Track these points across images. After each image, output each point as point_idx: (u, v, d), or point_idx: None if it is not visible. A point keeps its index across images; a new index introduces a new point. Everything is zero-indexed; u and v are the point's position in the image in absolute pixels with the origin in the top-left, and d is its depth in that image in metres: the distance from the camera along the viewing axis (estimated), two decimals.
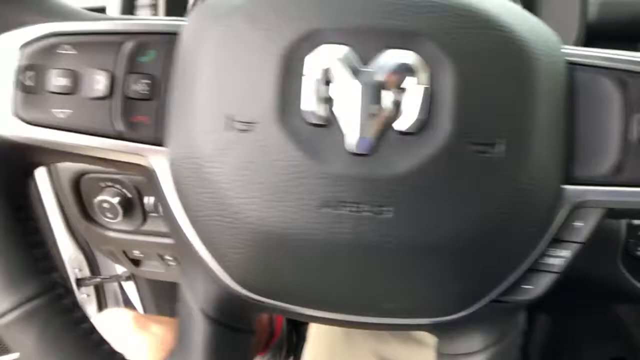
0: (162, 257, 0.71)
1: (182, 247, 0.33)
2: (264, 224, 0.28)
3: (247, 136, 0.28)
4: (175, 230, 0.32)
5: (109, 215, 0.62)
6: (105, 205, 0.61)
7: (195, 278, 0.33)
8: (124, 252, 0.72)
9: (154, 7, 0.58)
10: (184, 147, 0.30)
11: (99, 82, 0.31)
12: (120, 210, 0.61)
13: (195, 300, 0.33)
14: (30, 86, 0.31)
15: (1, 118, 0.31)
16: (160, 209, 0.60)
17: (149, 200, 0.62)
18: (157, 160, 0.31)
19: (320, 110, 0.27)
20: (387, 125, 0.27)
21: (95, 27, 0.32)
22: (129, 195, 0.62)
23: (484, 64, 0.28)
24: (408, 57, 0.27)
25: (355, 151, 0.27)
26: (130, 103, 0.31)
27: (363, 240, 0.27)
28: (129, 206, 0.62)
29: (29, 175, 0.34)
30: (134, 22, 0.32)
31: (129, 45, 0.31)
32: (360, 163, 0.27)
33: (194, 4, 0.63)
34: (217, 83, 0.29)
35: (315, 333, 0.53)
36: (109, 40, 0.31)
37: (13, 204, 0.33)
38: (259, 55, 0.28)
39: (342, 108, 0.27)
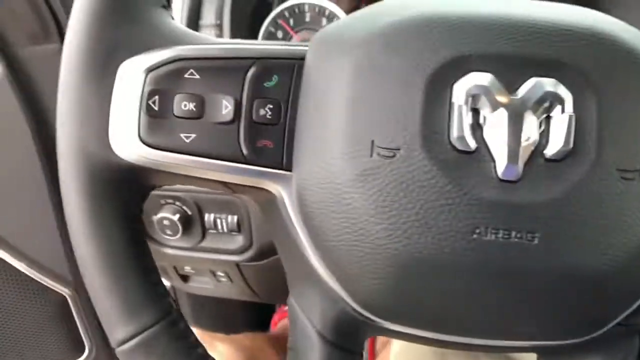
0: (214, 274, 0.71)
1: (298, 269, 0.33)
2: (409, 250, 0.28)
3: (390, 162, 0.28)
4: (296, 253, 0.32)
5: (168, 232, 0.62)
6: (166, 222, 0.61)
7: (312, 301, 0.33)
8: (175, 268, 0.71)
9: (218, 27, 0.58)
10: (317, 172, 0.30)
11: (224, 107, 0.31)
12: (180, 227, 0.61)
13: (312, 323, 0.33)
14: (155, 110, 0.31)
15: (126, 142, 0.31)
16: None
17: (209, 217, 0.61)
18: (282, 184, 0.31)
19: (469, 137, 0.27)
20: (534, 153, 0.27)
21: (218, 52, 0.32)
22: (189, 212, 0.61)
23: (625, 91, 0.28)
24: (553, 85, 0.27)
25: (504, 178, 0.27)
26: (255, 128, 0.31)
27: (511, 266, 0.27)
28: (188, 223, 0.62)
29: (145, 198, 0.34)
30: (258, 47, 0.32)
31: (254, 70, 0.31)
32: (509, 190, 0.27)
33: (268, 26, 0.63)
34: (358, 109, 0.29)
35: (401, 351, 0.53)
36: (234, 65, 0.31)
37: (132, 227, 0.33)
38: (403, 82, 0.28)
39: (491, 135, 0.27)
